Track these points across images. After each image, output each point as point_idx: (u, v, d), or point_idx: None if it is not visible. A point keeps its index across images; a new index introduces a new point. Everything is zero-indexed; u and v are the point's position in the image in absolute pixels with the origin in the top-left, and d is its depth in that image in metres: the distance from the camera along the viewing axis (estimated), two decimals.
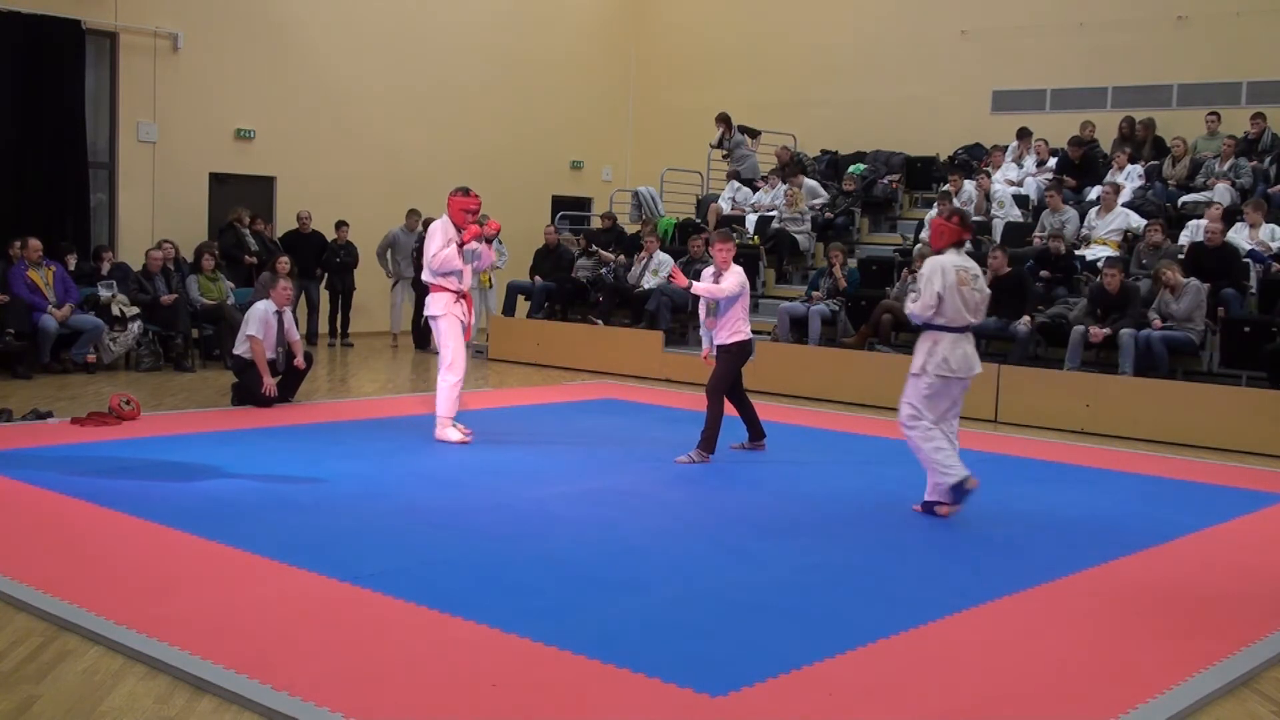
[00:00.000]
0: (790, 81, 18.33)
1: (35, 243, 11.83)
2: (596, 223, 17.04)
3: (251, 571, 5.30)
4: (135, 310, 12.29)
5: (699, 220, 16.00)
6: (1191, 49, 15.22)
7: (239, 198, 15.14)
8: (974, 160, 15.82)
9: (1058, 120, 15.78)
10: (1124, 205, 12.92)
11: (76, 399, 10.12)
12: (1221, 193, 12.82)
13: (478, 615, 4.71)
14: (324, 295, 15.41)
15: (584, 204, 19.69)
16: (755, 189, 16.32)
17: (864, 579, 5.63)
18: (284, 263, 12.00)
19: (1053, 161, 14.91)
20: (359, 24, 16.49)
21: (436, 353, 8.96)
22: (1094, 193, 13.56)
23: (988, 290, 7.01)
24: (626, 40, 20.22)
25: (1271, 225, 11.85)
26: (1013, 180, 14.85)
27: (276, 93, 15.67)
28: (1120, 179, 13.66)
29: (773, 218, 15.13)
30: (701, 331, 8.75)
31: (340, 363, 13.88)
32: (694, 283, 8.50)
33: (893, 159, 16.29)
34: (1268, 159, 13.58)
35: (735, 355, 8.38)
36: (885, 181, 15.77)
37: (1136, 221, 12.48)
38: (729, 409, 8.46)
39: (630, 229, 16.27)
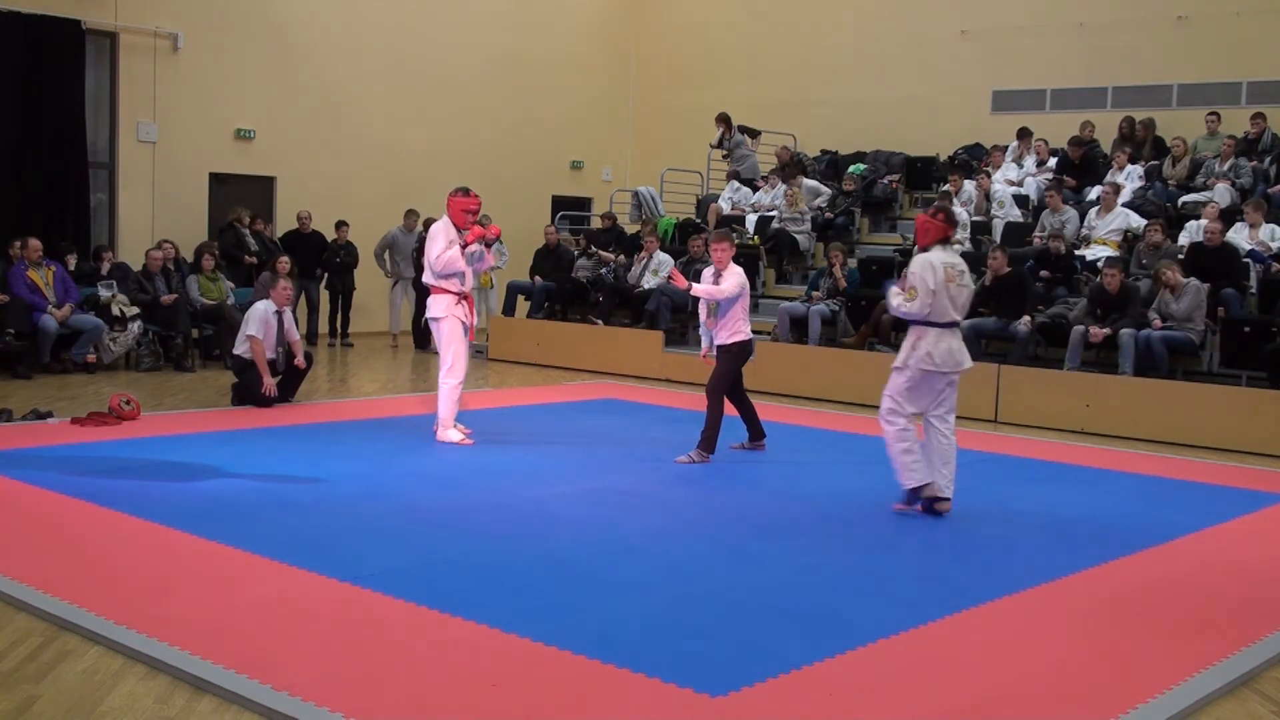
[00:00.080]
0: (790, 81, 18.33)
1: (35, 243, 11.83)
2: (596, 223, 17.04)
3: (251, 571, 5.30)
4: (135, 310, 12.29)
5: (699, 220, 16.00)
6: (1191, 49, 15.23)
7: (239, 198, 15.15)
8: (974, 160, 15.83)
9: (1058, 120, 15.78)
10: (1124, 205, 12.92)
11: (76, 399, 10.12)
12: (1221, 193, 12.82)
13: (478, 615, 4.71)
14: (324, 295, 15.41)
15: (584, 204, 19.69)
16: (755, 189, 16.32)
17: (864, 579, 5.63)
18: (284, 263, 12.01)
19: (1053, 161, 14.91)
20: (359, 24, 16.50)
21: (437, 353, 8.95)
22: (1094, 193, 13.56)
23: (972, 286, 7.07)
24: (626, 40, 20.22)
25: (1271, 225, 11.85)
26: (1013, 180, 14.85)
27: (276, 93, 15.67)
28: (1120, 179, 13.66)
29: (773, 218, 15.13)
30: (701, 331, 8.75)
31: (340, 363, 13.88)
32: (694, 284, 8.49)
33: (893, 159, 16.29)
34: (1268, 159, 13.58)
35: (735, 355, 8.38)
36: (885, 181, 15.77)
37: (1136, 221, 12.48)
38: (729, 409, 8.46)
39: (630, 229, 16.27)
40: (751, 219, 15.52)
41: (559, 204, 19.01)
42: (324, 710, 3.80)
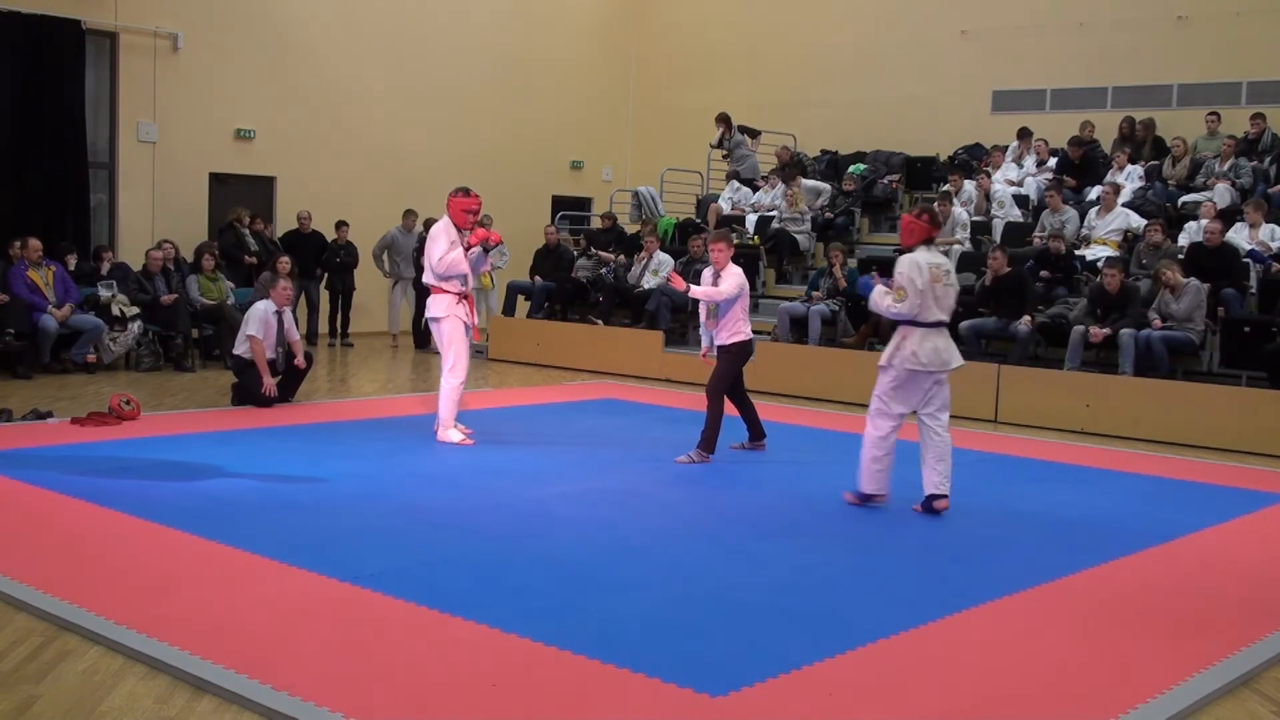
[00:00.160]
0: (790, 81, 18.33)
1: (35, 243, 11.83)
2: (596, 223, 17.04)
3: (251, 571, 5.30)
4: (135, 310, 12.29)
5: (699, 220, 16.00)
6: (1191, 49, 15.22)
7: (239, 198, 15.15)
8: (974, 160, 15.82)
9: (1058, 120, 15.78)
10: (1124, 205, 12.92)
11: (76, 399, 10.12)
12: (1221, 193, 12.82)
13: (478, 615, 4.71)
14: (324, 295, 15.41)
15: (584, 204, 19.69)
16: (755, 189, 16.32)
17: (864, 579, 5.63)
18: (284, 263, 12.01)
19: (1053, 161, 14.91)
20: (359, 24, 16.50)
21: (437, 353, 8.94)
22: (1094, 193, 13.56)
23: (958, 285, 7.11)
24: (626, 40, 20.22)
25: (1271, 225, 11.86)
26: (1013, 180, 14.85)
27: (276, 93, 15.67)
28: (1120, 179, 13.66)
29: (773, 218, 15.13)
30: (701, 331, 8.75)
31: (340, 363, 13.88)
32: (692, 286, 8.49)
33: (893, 159, 16.28)
34: (1268, 159, 13.58)
35: (736, 355, 8.37)
36: (885, 181, 15.77)
37: (1136, 221, 12.48)
38: (730, 408, 8.45)
39: (630, 229, 16.27)
40: (751, 219, 15.52)
41: (559, 204, 19.01)
42: (324, 710, 3.80)
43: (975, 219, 13.94)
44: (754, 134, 17.42)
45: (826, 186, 15.56)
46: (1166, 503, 7.71)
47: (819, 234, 14.88)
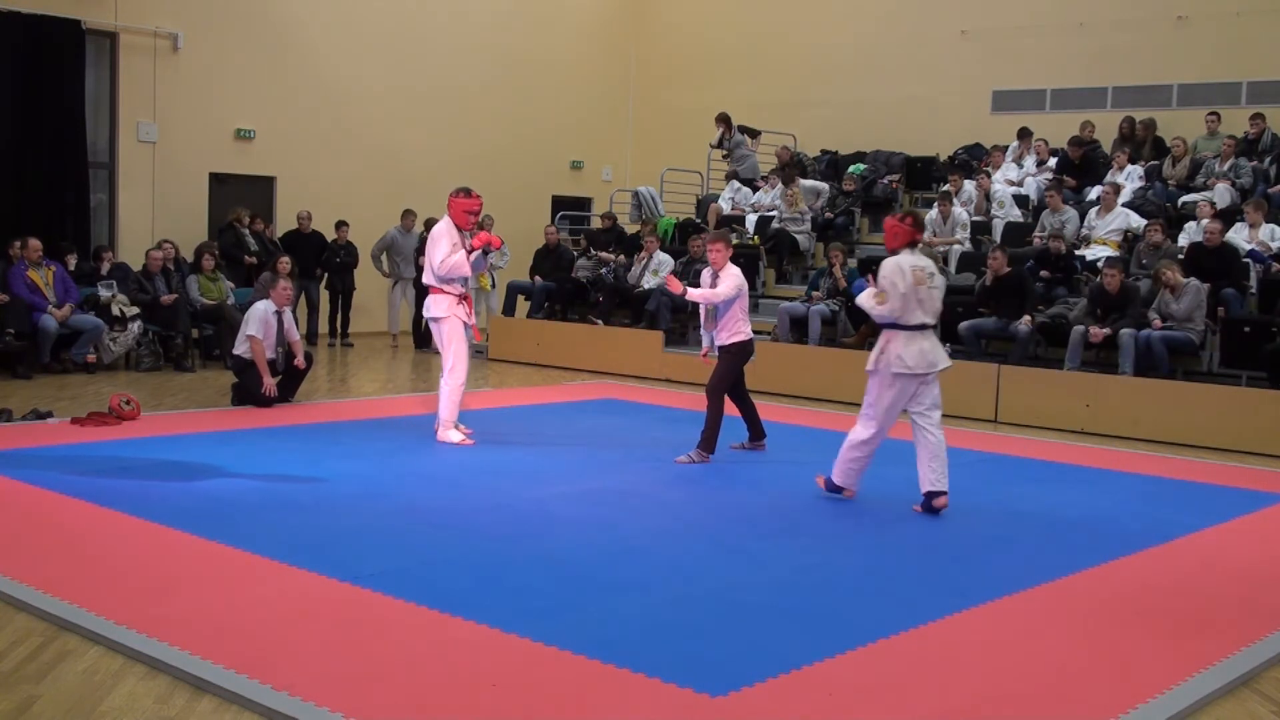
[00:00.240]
0: (790, 81, 18.33)
1: (35, 243, 11.83)
2: (596, 223, 17.04)
3: (251, 571, 5.30)
4: (135, 310, 12.29)
5: (699, 220, 16.00)
6: (1191, 49, 15.22)
7: (239, 198, 15.15)
8: (974, 160, 15.83)
9: (1058, 120, 15.78)
10: (1124, 205, 12.92)
11: (76, 399, 10.12)
12: (1221, 193, 12.82)
13: (478, 615, 4.71)
14: (324, 295, 15.41)
15: (584, 204, 19.69)
16: (755, 189, 16.32)
17: (864, 579, 5.63)
18: (285, 263, 12.01)
19: (1053, 161, 14.91)
20: (359, 24, 16.50)
21: (438, 353, 8.94)
22: (1094, 193, 13.56)
23: (943, 287, 7.16)
24: (626, 40, 20.22)
25: (1271, 225, 11.85)
26: (1013, 180, 14.85)
27: (276, 93, 15.67)
28: (1120, 179, 13.66)
29: (773, 218, 15.13)
30: (701, 330, 8.75)
31: (340, 363, 13.88)
32: (689, 289, 8.48)
33: (893, 159, 16.29)
34: (1268, 159, 13.58)
35: (736, 355, 8.37)
36: (885, 181, 15.77)
37: (1136, 221, 12.48)
38: (730, 408, 8.45)
39: (630, 229, 16.27)
40: (751, 219, 15.52)
41: (559, 204, 19.01)
42: (324, 710, 3.80)
43: (975, 219, 13.94)
44: (754, 134, 17.42)
45: (825, 186, 15.56)
46: (1166, 503, 7.71)
47: (819, 234, 14.88)
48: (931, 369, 6.85)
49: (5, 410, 9.00)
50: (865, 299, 7.00)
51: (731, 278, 8.26)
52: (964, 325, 11.50)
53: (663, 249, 14.48)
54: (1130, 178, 13.75)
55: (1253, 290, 11.20)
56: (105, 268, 12.62)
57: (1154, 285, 10.96)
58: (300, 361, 10.14)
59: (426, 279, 8.78)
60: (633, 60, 20.28)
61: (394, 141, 16.88)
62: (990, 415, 10.97)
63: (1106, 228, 12.65)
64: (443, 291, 8.62)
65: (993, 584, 5.50)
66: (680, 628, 4.74)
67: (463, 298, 8.69)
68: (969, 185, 14.50)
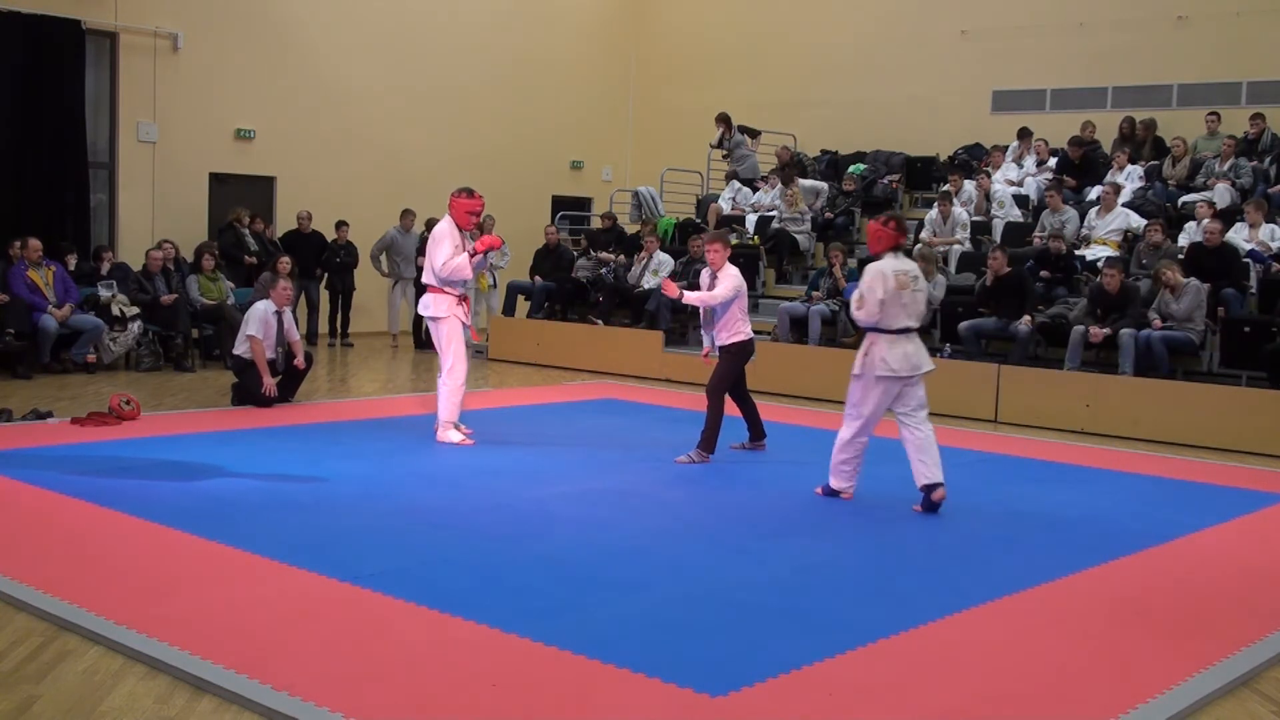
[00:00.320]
0: (790, 81, 18.33)
1: (35, 243, 11.83)
2: (596, 223, 17.04)
3: (251, 571, 5.30)
4: (135, 310, 12.29)
5: (699, 220, 16.01)
6: (1191, 49, 15.23)
7: (239, 198, 15.15)
8: (974, 160, 15.83)
9: (1058, 120, 15.78)
10: (1124, 205, 12.92)
11: (76, 399, 10.12)
12: (1221, 193, 12.82)
13: (478, 615, 4.71)
14: (324, 295, 15.41)
15: (584, 204, 19.69)
16: (755, 189, 16.32)
17: (864, 579, 5.63)
18: (285, 263, 12.01)
19: (1053, 161, 14.91)
20: (359, 24, 16.50)
21: (435, 352, 8.94)
22: (1094, 193, 13.56)
23: (927, 290, 7.21)
24: (626, 40, 20.22)
25: (1271, 225, 11.86)
26: (1013, 180, 14.85)
27: (276, 93, 15.67)
28: (1120, 179, 13.66)
29: (773, 218, 15.13)
30: (702, 331, 8.75)
31: (340, 363, 13.88)
32: (685, 292, 8.47)
33: (893, 159, 16.29)
34: (1268, 159, 13.58)
35: (736, 355, 8.36)
36: (885, 181, 15.77)
37: (1136, 221, 12.49)
38: (731, 408, 8.45)
39: (630, 229, 16.27)
40: (751, 219, 15.52)
41: (559, 204, 19.01)
42: (324, 710, 3.80)
43: (975, 219, 13.94)
44: (754, 134, 17.42)
45: (824, 186, 15.56)
46: (1166, 503, 7.71)
47: (819, 234, 14.88)
48: (915, 372, 6.90)
49: (5, 410, 9.00)
50: (852, 302, 7.09)
51: (730, 278, 8.25)
52: (964, 325, 11.51)
53: (663, 249, 14.48)
54: (1130, 178, 13.75)
55: (1253, 290, 11.20)
56: (105, 268, 12.62)
57: (1154, 285, 10.96)
58: (300, 362, 10.14)
59: (426, 279, 8.77)
60: (633, 60, 20.28)
61: (394, 141, 16.88)
62: (990, 415, 10.97)
63: (1106, 228, 12.65)
64: (442, 292, 8.62)
65: (993, 584, 5.50)
66: (680, 628, 4.74)
67: (461, 298, 8.69)
68: (969, 185, 14.50)
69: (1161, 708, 4.11)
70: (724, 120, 17.10)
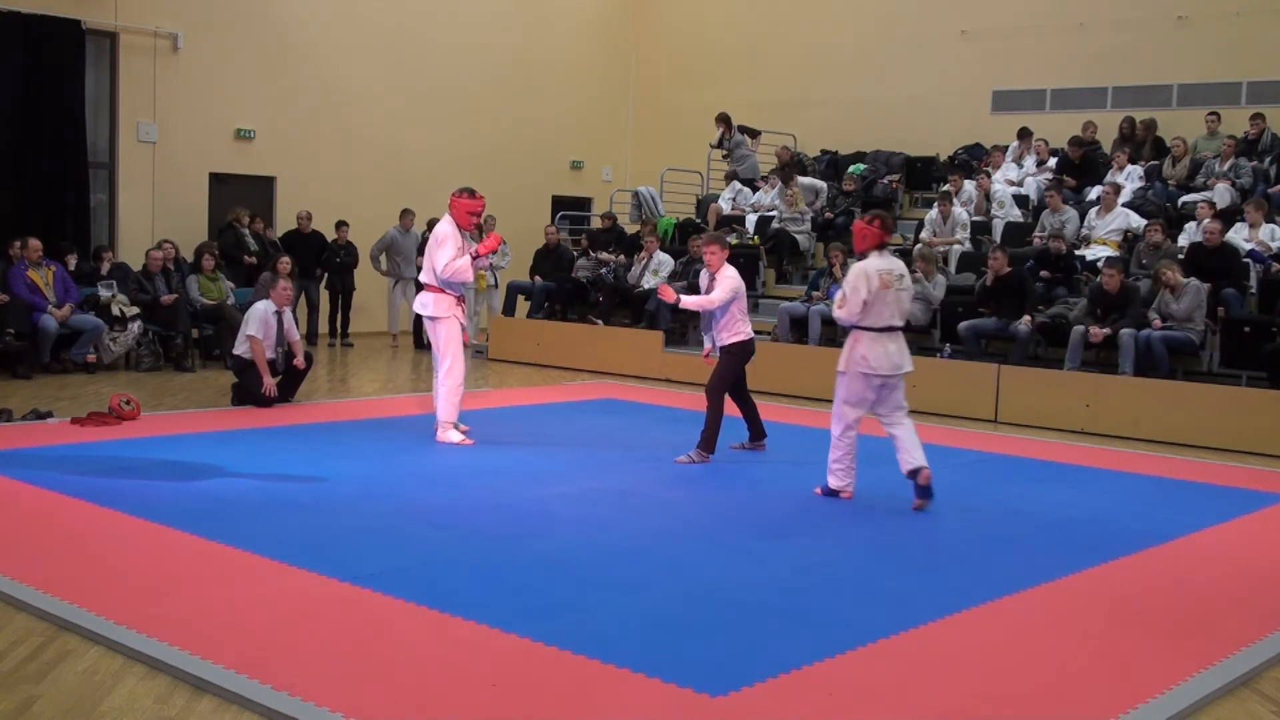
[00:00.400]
0: (790, 81, 18.33)
1: (35, 243, 11.83)
2: (596, 223, 17.04)
3: (251, 571, 5.30)
4: (135, 310, 12.29)
5: (699, 220, 16.01)
6: (1191, 49, 15.23)
7: (239, 198, 15.15)
8: (974, 160, 15.83)
9: (1058, 120, 15.78)
10: (1124, 205, 12.93)
11: (76, 399, 10.12)
12: (1221, 193, 12.82)
13: (478, 615, 4.71)
14: (324, 295, 15.41)
15: (584, 204, 19.69)
16: (755, 189, 16.32)
17: (864, 579, 5.63)
18: (285, 263, 12.02)
19: (1053, 161, 14.91)
20: (359, 24, 16.50)
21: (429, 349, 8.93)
22: (1094, 193, 13.56)
23: (913, 287, 7.24)
24: (626, 40, 20.22)
25: (1271, 225, 11.86)
26: (1013, 180, 14.85)
27: (276, 93, 15.67)
28: (1120, 179, 13.66)
29: (773, 218, 15.13)
30: (703, 331, 8.74)
31: (340, 363, 13.88)
32: (682, 298, 8.47)
33: (893, 159, 16.29)
34: (1268, 159, 13.58)
35: (736, 356, 8.36)
36: (885, 181, 15.77)
37: (1136, 221, 12.49)
38: (731, 408, 8.45)
39: (630, 229, 16.27)
40: (751, 219, 15.52)
41: (559, 204, 19.01)
42: (324, 710, 3.80)
43: (975, 219, 13.94)
44: (754, 134, 17.42)
45: (824, 185, 15.56)
46: (1166, 503, 7.71)
47: (819, 234, 14.88)
48: (896, 371, 6.95)
49: (5, 410, 9.00)
50: (834, 307, 7.15)
51: (727, 281, 8.23)
52: (964, 325, 11.51)
53: (663, 249, 14.48)
54: (1130, 178, 13.75)
55: (1253, 290, 11.20)
56: (105, 268, 12.62)
57: (1154, 285, 10.96)
58: (300, 362, 10.14)
59: (425, 279, 8.77)
60: (633, 60, 20.27)
61: (394, 141, 16.88)
62: (990, 415, 10.97)
63: (1106, 228, 12.65)
64: (441, 292, 8.62)
65: (993, 584, 5.50)
66: (680, 628, 4.74)
67: (459, 298, 8.70)
68: (969, 185, 14.50)
69: (1161, 708, 4.12)
70: (724, 120, 17.10)
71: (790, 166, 15.85)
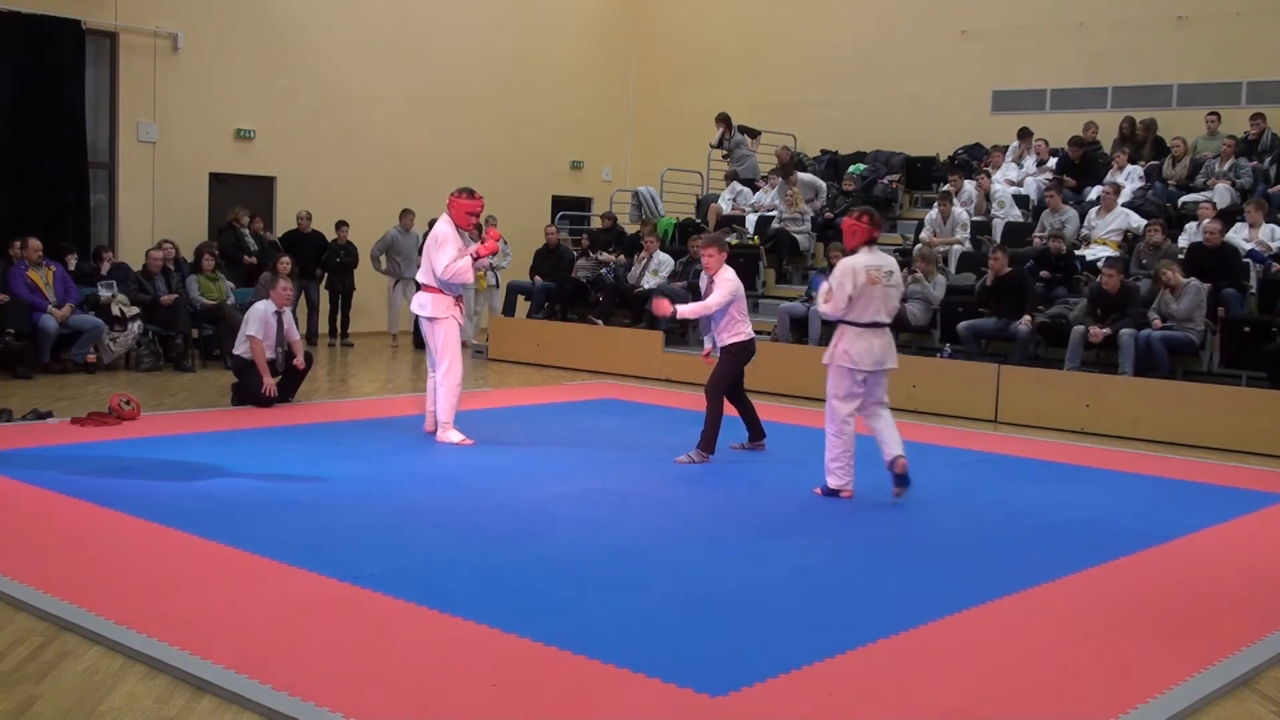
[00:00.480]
0: (790, 81, 18.33)
1: (35, 243, 11.83)
2: (596, 223, 17.04)
3: (251, 571, 5.30)
4: (135, 310, 12.29)
5: (699, 220, 16.01)
6: (1191, 49, 15.23)
7: (239, 198, 15.15)
8: (974, 160, 15.83)
9: (1058, 120, 15.78)
10: (1124, 205, 12.92)
11: (76, 399, 10.12)
12: (1221, 193, 12.82)
13: (478, 615, 4.71)
14: (324, 295, 15.41)
15: (584, 204, 19.69)
16: (755, 189, 16.32)
17: (864, 579, 5.63)
18: (285, 263, 12.02)
19: (1053, 161, 14.91)
20: (359, 24, 16.50)
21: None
22: (1094, 193, 13.56)
23: (901, 285, 7.26)
24: (626, 40, 20.22)
25: (1271, 225, 11.86)
26: (1013, 180, 14.85)
27: (276, 93, 15.67)
28: (1120, 179, 13.66)
29: (773, 218, 15.13)
30: (703, 333, 8.74)
31: (340, 363, 13.88)
32: (679, 307, 8.45)
33: (893, 159, 16.29)
34: (1268, 159, 13.58)
35: (737, 356, 8.36)
36: (885, 181, 15.77)
37: (1136, 221, 12.49)
38: (729, 409, 8.45)
39: (630, 229, 16.27)
40: (751, 219, 15.52)
41: (559, 204, 19.01)
42: (324, 710, 3.80)
43: (975, 219, 13.94)
44: (754, 134, 17.42)
45: (823, 184, 15.56)
46: (1166, 503, 7.70)
47: (819, 234, 14.87)
48: (878, 367, 7.00)
49: (5, 410, 9.00)
50: (818, 302, 7.21)
51: (725, 283, 8.22)
52: (964, 325, 11.51)
53: (663, 249, 14.48)
54: (1130, 178, 13.75)
55: (1253, 290, 11.20)
56: (105, 268, 12.62)
57: (1154, 285, 10.96)
58: (300, 362, 10.14)
59: (424, 279, 8.77)
60: (633, 60, 20.28)
61: (394, 141, 16.88)
62: (990, 415, 10.97)
63: (1106, 228, 12.65)
64: (440, 292, 8.62)
65: (993, 584, 5.50)
66: (680, 628, 4.74)
67: (458, 298, 8.70)
68: (969, 185, 14.50)
69: (1161, 708, 4.12)
70: (724, 120, 17.10)
71: (790, 166, 15.85)
